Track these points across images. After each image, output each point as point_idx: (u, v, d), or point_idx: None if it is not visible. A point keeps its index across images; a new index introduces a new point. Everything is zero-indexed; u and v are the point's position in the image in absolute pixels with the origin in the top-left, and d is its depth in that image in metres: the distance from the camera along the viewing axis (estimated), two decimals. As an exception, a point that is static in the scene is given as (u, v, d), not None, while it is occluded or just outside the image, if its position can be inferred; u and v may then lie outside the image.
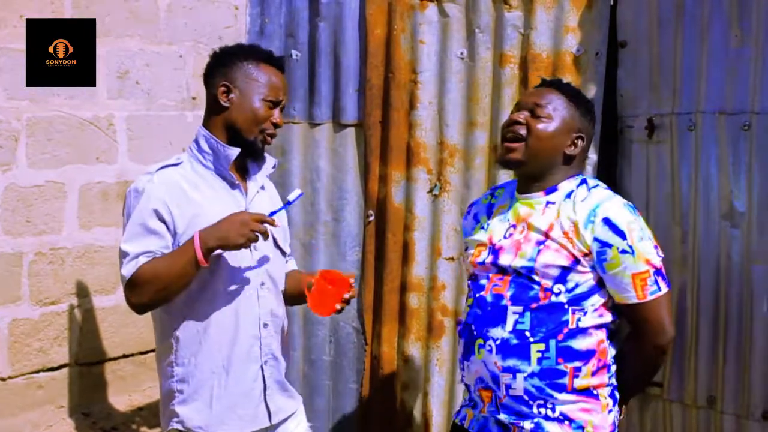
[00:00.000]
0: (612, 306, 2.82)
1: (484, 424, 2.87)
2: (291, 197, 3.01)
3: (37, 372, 3.91)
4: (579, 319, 2.76)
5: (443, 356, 3.92)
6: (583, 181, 2.88)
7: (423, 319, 3.97)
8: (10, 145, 3.75)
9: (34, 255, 3.86)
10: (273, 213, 2.97)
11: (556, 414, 2.76)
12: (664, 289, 2.78)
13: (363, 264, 4.11)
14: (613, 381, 2.85)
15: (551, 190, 2.85)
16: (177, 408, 2.96)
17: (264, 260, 3.00)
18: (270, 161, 3.11)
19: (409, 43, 3.95)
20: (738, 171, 3.29)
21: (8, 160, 3.76)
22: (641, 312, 2.78)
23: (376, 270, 4.07)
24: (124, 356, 4.18)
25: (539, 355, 2.76)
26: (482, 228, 2.97)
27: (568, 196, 2.83)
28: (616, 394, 2.87)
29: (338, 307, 2.98)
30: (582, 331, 2.77)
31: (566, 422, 2.76)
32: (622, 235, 2.74)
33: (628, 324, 2.86)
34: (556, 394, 2.75)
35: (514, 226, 2.86)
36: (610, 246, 2.73)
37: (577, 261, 2.75)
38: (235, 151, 2.96)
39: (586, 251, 2.75)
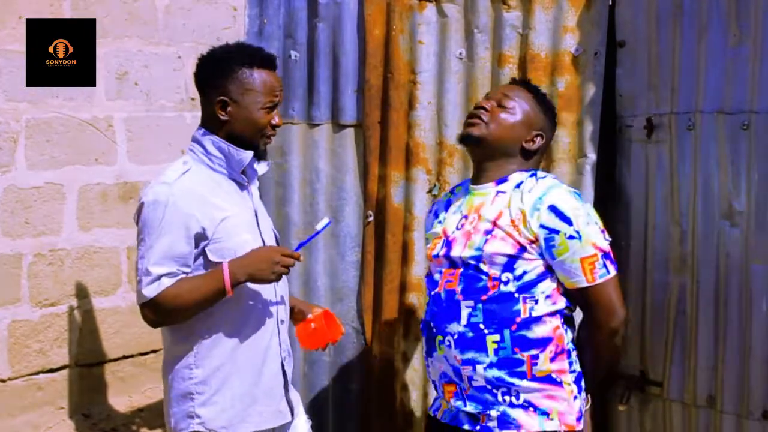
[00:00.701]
0: (564, 292, 2.91)
1: (455, 415, 2.95)
2: (319, 226, 3.08)
3: (37, 373, 3.91)
4: (531, 308, 2.87)
5: (443, 356, 3.92)
6: (533, 174, 2.99)
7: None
8: (8, 147, 3.75)
9: (34, 256, 3.85)
10: (300, 246, 3.02)
11: (521, 401, 2.88)
12: (613, 272, 2.88)
13: (362, 264, 4.11)
14: (576, 367, 2.94)
15: (502, 180, 2.98)
16: (198, 410, 2.95)
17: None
18: (264, 162, 3.12)
19: (407, 44, 3.95)
20: (737, 170, 3.28)
21: (7, 161, 3.75)
22: (591, 296, 2.87)
23: (375, 270, 4.07)
24: (124, 357, 4.18)
25: (495, 346, 2.86)
26: (439, 222, 3.10)
27: (518, 186, 2.94)
28: (582, 383, 2.94)
29: (321, 348, 3.19)
30: (535, 320, 2.87)
31: (531, 409, 2.87)
32: (568, 221, 2.84)
33: (581, 310, 2.95)
34: (517, 382, 2.86)
35: (465, 217, 3.01)
36: (557, 232, 2.84)
37: (523, 248, 2.85)
38: (248, 155, 2.97)
39: (532, 239, 2.85)
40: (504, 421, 2.86)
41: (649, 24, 3.49)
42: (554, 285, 2.89)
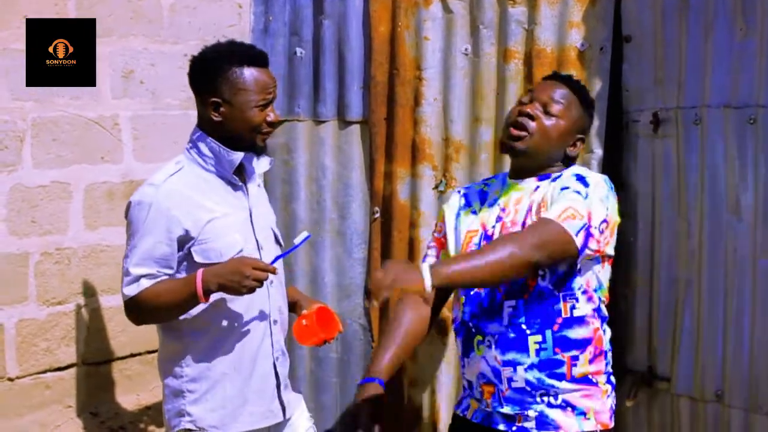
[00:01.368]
0: (597, 288, 2.83)
1: (488, 415, 2.89)
2: (297, 240, 3.03)
3: (45, 372, 3.92)
4: (573, 307, 2.80)
5: (450, 353, 3.92)
6: (570, 169, 2.91)
7: (429, 315, 3.97)
8: (15, 146, 3.75)
9: (40, 255, 3.86)
10: (275, 260, 3.00)
11: (559, 401, 2.82)
12: (577, 239, 2.66)
13: (369, 261, 4.11)
14: (609, 368, 2.90)
15: (544, 177, 2.89)
16: (189, 408, 2.97)
17: (271, 259, 3.02)
18: (265, 160, 3.11)
19: (413, 40, 3.94)
20: (744, 165, 3.28)
21: (13, 160, 3.76)
22: (540, 220, 2.71)
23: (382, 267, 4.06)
24: (132, 355, 4.18)
25: (537, 346, 2.80)
26: (473, 213, 2.98)
27: (555, 179, 2.86)
28: (612, 379, 2.92)
29: (318, 345, 3.13)
30: (578, 321, 2.80)
31: (569, 409, 2.82)
32: (585, 183, 2.75)
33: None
34: (556, 384, 2.81)
35: (504, 210, 2.90)
36: (568, 188, 2.74)
37: None
38: (238, 156, 2.97)
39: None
40: (542, 421, 2.80)
41: (655, 18, 3.49)
42: (587, 280, 2.81)
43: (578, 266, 2.79)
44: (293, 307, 3.21)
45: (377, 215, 4.07)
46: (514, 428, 2.84)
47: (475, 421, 2.93)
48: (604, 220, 2.75)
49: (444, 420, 3.93)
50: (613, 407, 2.91)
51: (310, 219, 4.19)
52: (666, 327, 3.52)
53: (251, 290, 2.86)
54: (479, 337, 2.87)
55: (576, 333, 2.80)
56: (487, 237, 2.88)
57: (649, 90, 3.53)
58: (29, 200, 3.81)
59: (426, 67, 3.92)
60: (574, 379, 2.81)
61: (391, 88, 4.00)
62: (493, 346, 2.83)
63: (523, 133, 2.84)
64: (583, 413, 2.82)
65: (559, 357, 2.80)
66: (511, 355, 2.81)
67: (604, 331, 2.88)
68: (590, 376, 2.83)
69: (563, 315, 2.80)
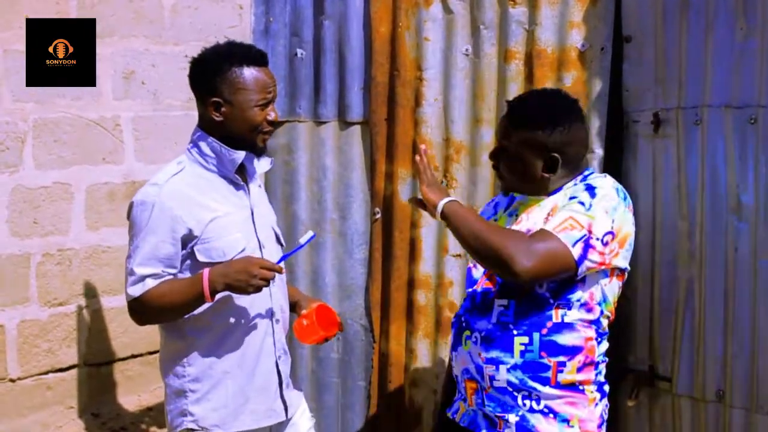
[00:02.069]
0: (600, 302, 2.81)
1: (473, 419, 2.91)
2: (302, 240, 3.03)
3: (46, 373, 3.92)
4: (564, 314, 2.79)
5: (451, 353, 3.92)
6: (584, 179, 2.90)
7: (431, 316, 3.98)
8: (16, 147, 3.76)
9: (42, 256, 3.87)
10: (282, 259, 3.01)
11: (541, 407, 2.80)
12: (570, 248, 2.68)
13: (370, 261, 4.11)
14: (601, 378, 2.88)
15: (554, 192, 2.89)
16: (191, 407, 2.98)
17: (273, 259, 3.02)
18: (266, 160, 3.12)
19: (413, 41, 3.95)
20: (745, 165, 3.27)
21: (15, 161, 3.76)
22: (535, 233, 2.74)
23: (383, 267, 4.07)
24: (133, 356, 4.19)
25: (522, 348, 2.80)
26: (495, 220, 3.03)
27: (572, 198, 2.84)
28: (605, 388, 2.90)
29: (318, 343, 3.12)
30: (567, 326, 2.79)
31: (551, 415, 2.80)
32: (592, 194, 2.76)
33: None
34: (539, 387, 2.80)
35: (517, 217, 2.91)
36: (575, 198, 2.76)
37: None
38: (240, 155, 2.97)
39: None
40: (522, 427, 2.80)
41: (655, 18, 3.49)
42: (587, 295, 2.80)
43: (580, 277, 2.78)
44: (293, 306, 3.22)
45: (378, 216, 4.07)
46: None
47: (462, 424, 2.95)
48: (609, 232, 2.74)
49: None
50: (604, 416, 2.88)
51: (311, 220, 4.19)
52: (667, 327, 3.52)
53: (258, 289, 2.86)
54: (467, 332, 2.90)
55: (565, 339, 2.79)
56: None
57: (649, 90, 3.53)
58: (31, 201, 3.81)
59: (426, 67, 3.92)
60: (559, 385, 2.80)
61: (392, 89, 4.00)
62: (479, 343, 2.85)
63: (499, 175, 2.97)
64: (566, 420, 2.81)
65: (544, 361, 2.79)
66: (494, 353, 2.82)
67: (598, 342, 2.85)
68: (577, 384, 2.82)
69: (554, 320, 2.79)
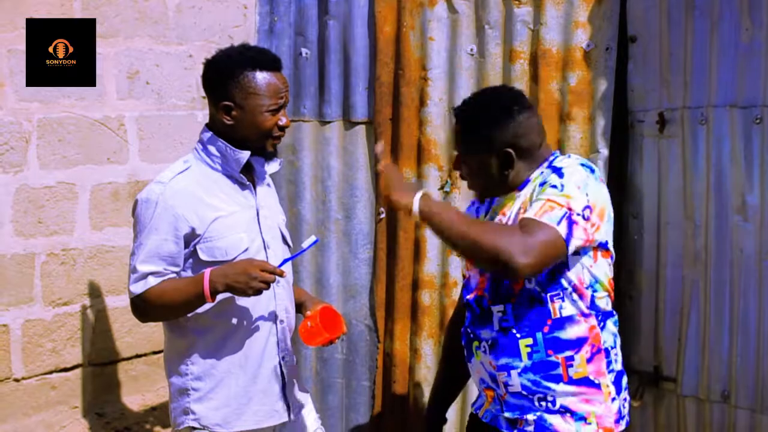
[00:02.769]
0: (592, 284, 2.79)
1: (495, 416, 2.89)
2: (305, 244, 3.03)
3: (50, 373, 3.92)
4: (561, 308, 2.77)
5: (456, 353, 3.92)
6: (550, 165, 2.84)
7: (435, 316, 3.97)
8: (21, 147, 3.76)
9: (46, 256, 3.87)
10: (283, 263, 3.00)
11: (557, 407, 2.79)
12: (561, 230, 2.64)
13: (375, 261, 4.11)
14: (615, 367, 2.85)
15: (523, 185, 2.86)
16: (193, 405, 2.98)
17: (278, 259, 3.02)
18: (275, 162, 3.11)
19: (418, 40, 3.94)
20: (750, 164, 3.28)
21: (19, 161, 3.76)
22: (522, 223, 2.69)
23: (387, 267, 4.07)
24: (137, 356, 4.19)
25: (529, 349, 2.79)
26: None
27: (542, 185, 2.80)
28: (623, 381, 2.87)
29: (323, 345, 3.10)
30: (568, 320, 2.77)
31: (567, 414, 2.79)
32: (560, 174, 2.72)
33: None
34: (553, 386, 2.78)
35: (496, 217, 2.89)
36: (545, 183, 2.73)
37: None
38: (245, 155, 2.97)
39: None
40: (541, 426, 2.79)
41: (660, 18, 3.48)
42: (576, 275, 2.74)
43: (564, 261, 2.73)
44: (299, 307, 3.21)
45: (383, 216, 4.07)
46: None
47: (485, 420, 2.94)
48: (587, 206, 2.69)
49: (449, 420, 3.92)
50: (621, 411, 2.84)
51: (316, 219, 4.19)
52: (672, 327, 3.52)
53: (258, 292, 2.86)
54: (476, 343, 2.89)
55: (567, 333, 2.77)
56: None
57: (654, 90, 3.53)
58: (35, 201, 3.81)
59: (431, 67, 3.92)
60: (572, 381, 2.78)
61: (397, 89, 4.00)
62: (488, 352, 2.85)
63: (469, 184, 2.95)
64: (582, 418, 2.79)
65: (552, 359, 2.77)
66: (504, 360, 2.81)
67: (602, 327, 2.81)
68: (590, 377, 2.79)
69: (552, 316, 2.77)
